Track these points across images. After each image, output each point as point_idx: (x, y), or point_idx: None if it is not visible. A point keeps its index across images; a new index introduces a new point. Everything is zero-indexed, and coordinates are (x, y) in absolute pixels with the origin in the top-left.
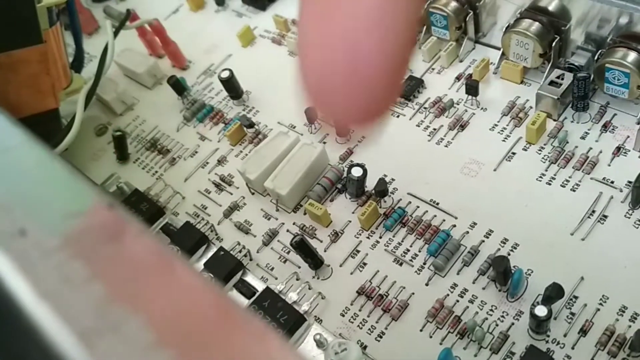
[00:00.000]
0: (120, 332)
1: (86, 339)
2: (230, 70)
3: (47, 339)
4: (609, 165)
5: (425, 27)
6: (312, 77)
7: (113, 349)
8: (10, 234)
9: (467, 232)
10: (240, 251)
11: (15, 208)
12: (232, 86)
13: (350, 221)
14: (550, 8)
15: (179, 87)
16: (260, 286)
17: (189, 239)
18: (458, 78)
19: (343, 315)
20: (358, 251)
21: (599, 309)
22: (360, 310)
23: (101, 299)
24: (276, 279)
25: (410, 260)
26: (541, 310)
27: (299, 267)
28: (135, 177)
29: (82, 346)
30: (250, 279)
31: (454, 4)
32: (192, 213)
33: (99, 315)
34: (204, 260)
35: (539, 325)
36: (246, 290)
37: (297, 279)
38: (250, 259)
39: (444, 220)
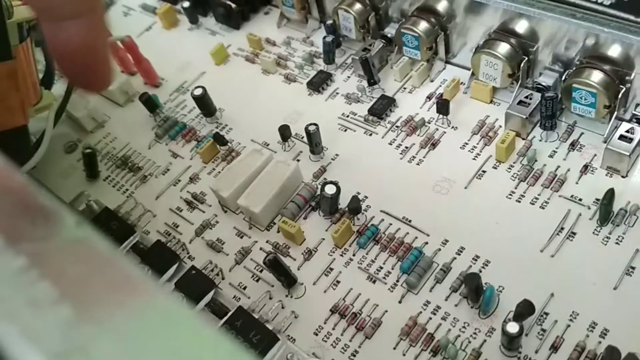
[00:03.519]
0: (89, 353)
1: None
2: (203, 87)
3: None
4: (577, 183)
5: (397, 48)
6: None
7: None
8: None
9: (439, 250)
10: (212, 270)
11: None
12: (205, 103)
13: (323, 239)
14: (519, 30)
15: (151, 104)
16: (232, 305)
17: (159, 258)
18: (429, 97)
19: (316, 334)
20: (331, 269)
21: (569, 325)
22: (333, 329)
23: (69, 320)
24: (249, 298)
25: (384, 278)
26: (513, 327)
27: (272, 286)
28: (105, 195)
29: None
30: (222, 298)
31: (425, 25)
32: (164, 231)
33: (66, 337)
34: (175, 279)
35: (510, 342)
36: (218, 309)
37: (270, 298)
38: (223, 278)
39: (416, 238)
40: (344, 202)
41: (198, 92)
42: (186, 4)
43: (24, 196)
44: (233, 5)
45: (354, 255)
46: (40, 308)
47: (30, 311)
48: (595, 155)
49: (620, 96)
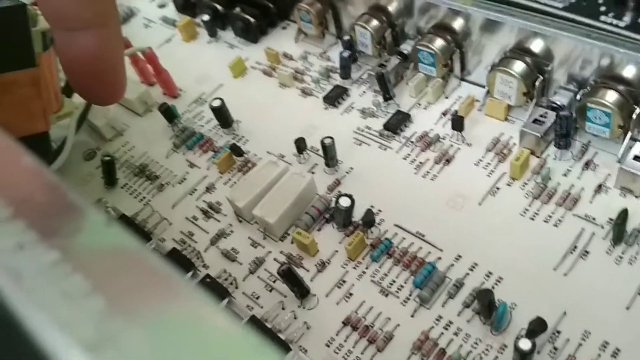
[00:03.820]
0: (120, 344)
1: (85, 352)
2: (221, 99)
3: (45, 354)
4: (591, 203)
5: (412, 64)
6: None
7: None
8: (7, 248)
9: (452, 265)
10: (226, 279)
11: (14, 222)
12: (222, 115)
13: (337, 251)
14: (534, 49)
15: (169, 114)
16: (245, 314)
17: (175, 265)
18: (444, 114)
19: (328, 346)
20: (344, 281)
21: (581, 344)
22: (345, 341)
23: (101, 312)
24: (262, 307)
25: (396, 292)
26: (525, 344)
27: (285, 296)
28: (122, 202)
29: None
30: (235, 307)
31: (441, 42)
32: (179, 239)
33: (98, 328)
34: None
35: (523, 359)
36: None
37: (283, 308)
38: (236, 287)
39: (429, 253)
40: (357, 215)
41: (216, 103)
42: (206, 18)
43: (55, 193)
44: (252, 20)
45: (367, 268)
46: (73, 300)
47: (64, 302)
48: (609, 175)
49: (634, 116)
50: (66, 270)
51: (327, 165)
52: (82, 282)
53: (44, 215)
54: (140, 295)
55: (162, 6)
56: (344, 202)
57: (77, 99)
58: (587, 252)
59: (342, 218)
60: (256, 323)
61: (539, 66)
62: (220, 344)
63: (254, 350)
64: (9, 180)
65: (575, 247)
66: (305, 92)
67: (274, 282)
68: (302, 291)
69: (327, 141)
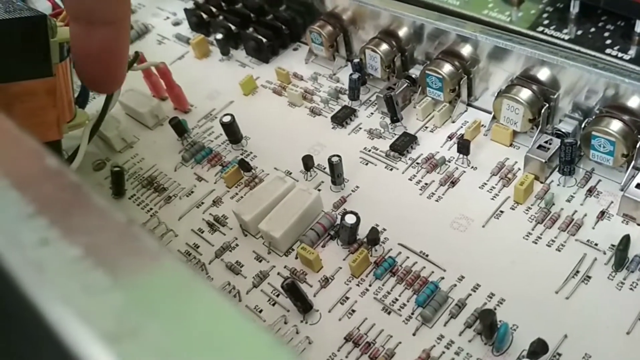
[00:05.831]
0: (139, 337)
1: (105, 343)
2: (231, 115)
3: (66, 345)
4: (593, 228)
5: (420, 88)
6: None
7: (134, 353)
8: (32, 244)
9: (455, 285)
10: (229, 292)
11: (38, 218)
12: (232, 131)
13: (340, 267)
14: (541, 77)
15: (180, 128)
16: None
17: None
18: (450, 137)
19: None
20: (347, 298)
21: None
22: (346, 357)
23: (121, 306)
24: (264, 321)
25: (399, 310)
26: None
27: (288, 311)
28: (129, 213)
29: (101, 351)
30: None
31: (449, 68)
32: (184, 251)
33: (118, 322)
34: None
35: None
36: None
37: (285, 323)
38: (240, 300)
39: (432, 272)
40: (362, 233)
41: (227, 119)
42: (219, 36)
43: (78, 192)
44: (264, 40)
45: (370, 285)
46: (94, 294)
47: (85, 296)
48: (612, 202)
49: (638, 146)
50: (88, 265)
51: (334, 183)
52: (104, 277)
53: (67, 212)
54: (161, 291)
55: (176, 24)
56: (350, 219)
57: (89, 110)
58: (589, 277)
59: (347, 235)
60: None
61: (545, 94)
62: (238, 341)
63: (270, 348)
64: (33, 179)
65: (578, 271)
66: (314, 112)
67: (277, 296)
68: (305, 306)
69: (335, 159)
